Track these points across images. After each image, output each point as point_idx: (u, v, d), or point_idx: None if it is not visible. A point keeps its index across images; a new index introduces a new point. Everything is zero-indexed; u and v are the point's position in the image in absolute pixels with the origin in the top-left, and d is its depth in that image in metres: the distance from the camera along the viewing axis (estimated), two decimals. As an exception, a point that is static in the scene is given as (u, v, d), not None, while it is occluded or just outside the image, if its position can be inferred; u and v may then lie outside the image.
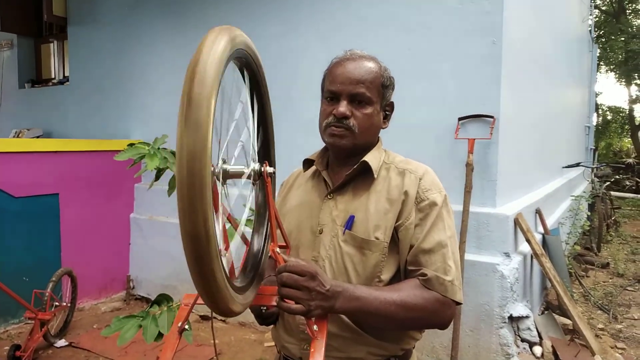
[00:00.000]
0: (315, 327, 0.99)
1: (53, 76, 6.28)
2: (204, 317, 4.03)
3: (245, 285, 0.97)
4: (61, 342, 3.55)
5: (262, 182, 1.03)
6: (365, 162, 1.21)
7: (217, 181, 0.88)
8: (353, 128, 1.18)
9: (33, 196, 3.94)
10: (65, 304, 3.68)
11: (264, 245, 1.11)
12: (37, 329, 3.23)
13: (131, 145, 2.19)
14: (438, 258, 1.14)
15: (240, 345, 3.63)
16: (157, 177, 2.21)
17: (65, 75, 6.06)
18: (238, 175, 0.92)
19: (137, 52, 4.91)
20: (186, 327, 1.03)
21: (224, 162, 0.91)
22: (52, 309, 3.41)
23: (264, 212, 1.12)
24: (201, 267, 0.73)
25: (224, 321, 3.97)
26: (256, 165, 0.98)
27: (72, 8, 5.55)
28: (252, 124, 1.01)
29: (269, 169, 0.99)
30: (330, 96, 1.21)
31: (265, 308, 1.14)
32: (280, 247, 1.09)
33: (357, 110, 1.19)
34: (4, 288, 3.19)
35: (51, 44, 6.27)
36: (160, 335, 1.82)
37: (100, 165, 4.42)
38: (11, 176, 3.78)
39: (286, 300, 0.98)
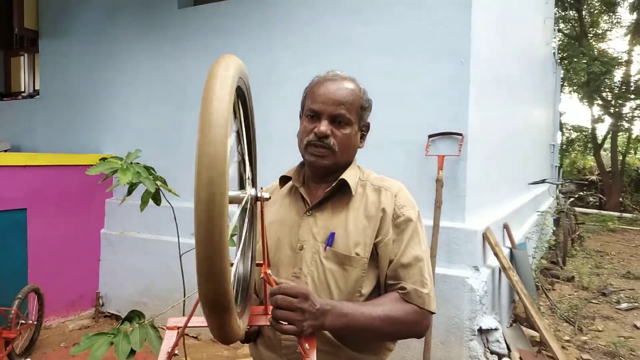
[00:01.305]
0: (306, 345, 1.02)
1: (23, 89, 6.16)
2: (175, 334, 3.97)
3: (241, 310, 0.97)
4: (26, 362, 3.45)
5: (250, 206, 1.04)
6: (344, 180, 1.26)
7: None
8: (333, 147, 1.23)
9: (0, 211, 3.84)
10: (31, 322, 3.58)
11: (250, 266, 1.13)
12: (2, 348, 3.14)
13: (103, 159, 2.19)
14: (416, 272, 1.20)
15: (212, 362, 3.59)
16: (130, 192, 2.21)
17: (36, 88, 5.96)
18: (238, 200, 0.94)
19: (110, 66, 4.88)
20: (176, 352, 1.03)
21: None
22: (18, 327, 3.32)
23: (249, 234, 1.12)
24: (218, 296, 0.72)
25: (195, 338, 3.92)
26: (252, 191, 1.02)
27: (43, 21, 5.49)
28: (246, 152, 1.04)
29: (265, 195, 1.02)
30: (312, 114, 1.25)
31: (249, 327, 1.15)
32: (258, 264, 1.10)
33: (337, 130, 1.24)
34: (-33, 306, 3.09)
35: (21, 57, 6.16)
36: (132, 352, 1.80)
37: (70, 180, 4.35)
38: (-23, 191, 3.68)
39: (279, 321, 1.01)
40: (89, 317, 4.45)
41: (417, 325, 1.19)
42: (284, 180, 1.38)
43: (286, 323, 1.01)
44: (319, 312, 1.05)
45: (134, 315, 1.91)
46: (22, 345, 3.52)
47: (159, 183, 2.23)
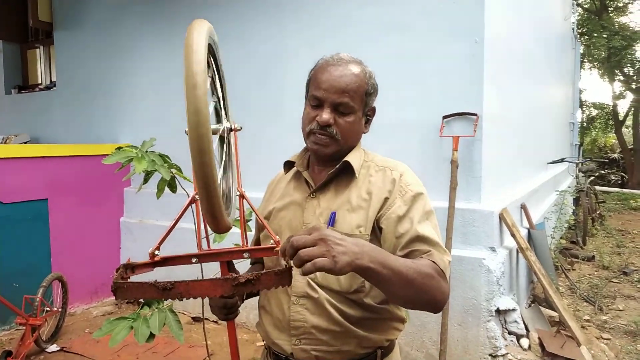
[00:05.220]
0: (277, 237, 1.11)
1: (40, 81, 6.26)
2: (196, 319, 4.05)
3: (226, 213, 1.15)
4: (53, 347, 3.56)
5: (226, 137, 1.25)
6: (347, 162, 1.25)
7: None
8: (336, 136, 1.22)
9: (22, 202, 3.94)
10: (56, 309, 3.68)
11: (231, 186, 1.27)
12: (29, 335, 3.23)
13: (119, 148, 2.21)
14: (435, 242, 1.16)
15: (232, 345, 3.65)
16: (146, 180, 2.24)
17: (52, 80, 6.05)
18: (216, 131, 1.12)
19: (124, 57, 4.92)
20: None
21: None
22: (43, 314, 3.41)
23: (228, 159, 1.31)
24: (209, 188, 0.91)
25: (215, 322, 3.99)
26: (227, 124, 1.21)
27: (57, 13, 5.54)
28: (220, 94, 1.23)
29: (237, 126, 1.22)
30: (315, 102, 1.23)
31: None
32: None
33: (340, 118, 1.22)
34: (-6, 294, 3.19)
35: (37, 50, 6.25)
36: (152, 336, 1.84)
37: (89, 170, 4.42)
38: (-1, 182, 3.77)
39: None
40: (112, 304, 4.56)
41: (440, 286, 1.08)
42: (288, 165, 1.38)
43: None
44: (342, 239, 0.92)
45: (153, 301, 1.95)
46: (48, 331, 3.63)
47: (174, 171, 2.25)
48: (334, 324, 1.20)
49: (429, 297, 1.07)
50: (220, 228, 1.00)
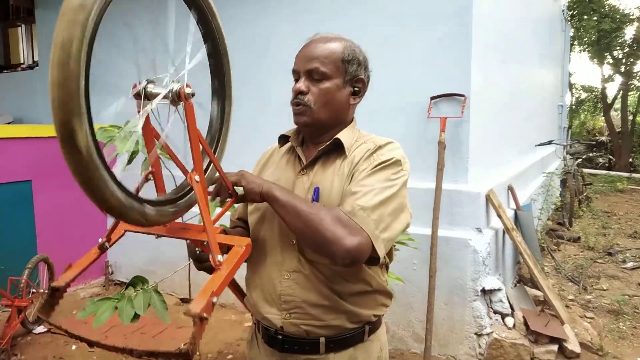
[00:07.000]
0: (220, 257, 0.95)
1: (22, 61, 6.14)
2: (184, 300, 4.06)
3: (167, 201, 1.04)
4: (40, 329, 3.55)
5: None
6: (338, 139, 1.24)
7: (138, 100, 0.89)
8: (309, 103, 1.22)
9: (5, 183, 3.88)
10: (42, 290, 3.66)
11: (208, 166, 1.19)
12: (15, 316, 3.22)
13: (102, 128, 2.18)
14: (361, 196, 1.11)
15: (220, 325, 3.67)
16: (130, 161, 2.20)
17: (35, 59, 5.93)
18: (154, 95, 0.87)
19: (107, 34, 4.81)
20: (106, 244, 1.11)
21: (149, 82, 0.90)
22: (29, 296, 3.39)
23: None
24: (67, 127, 0.71)
25: (204, 303, 4.00)
26: (175, 86, 0.89)
27: (39, -10, 5.40)
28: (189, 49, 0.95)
29: (188, 90, 0.90)
30: (295, 77, 1.27)
31: (199, 250, 1.24)
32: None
33: (314, 85, 1.23)
34: (-22, 276, 3.16)
35: (19, 28, 6.11)
36: (136, 316, 1.84)
37: (74, 151, 4.36)
38: (-19, 163, 3.71)
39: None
40: (100, 285, 4.55)
41: (336, 230, 1.05)
42: (282, 139, 1.38)
43: None
44: (257, 177, 1.18)
45: (138, 281, 1.94)
46: (34, 313, 3.60)
47: (159, 151, 2.22)
48: (324, 299, 1.21)
49: (318, 238, 1.07)
50: (98, 200, 0.79)
